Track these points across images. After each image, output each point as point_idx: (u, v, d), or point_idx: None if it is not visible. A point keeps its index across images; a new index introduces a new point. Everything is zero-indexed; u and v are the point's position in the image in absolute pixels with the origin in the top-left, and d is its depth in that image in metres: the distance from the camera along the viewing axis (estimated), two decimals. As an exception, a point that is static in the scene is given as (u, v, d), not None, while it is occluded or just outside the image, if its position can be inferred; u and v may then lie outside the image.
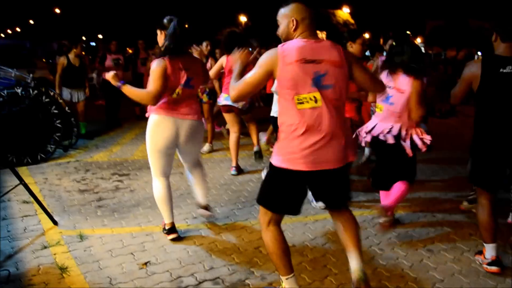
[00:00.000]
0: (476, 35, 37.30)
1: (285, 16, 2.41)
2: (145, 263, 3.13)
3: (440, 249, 3.50)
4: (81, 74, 6.99)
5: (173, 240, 3.46)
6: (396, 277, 3.07)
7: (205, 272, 3.04)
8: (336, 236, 3.67)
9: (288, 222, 3.88)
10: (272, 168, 2.45)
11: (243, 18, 47.03)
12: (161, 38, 3.40)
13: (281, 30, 2.44)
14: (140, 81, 9.03)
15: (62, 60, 6.93)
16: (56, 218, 3.80)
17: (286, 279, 2.51)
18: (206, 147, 6.26)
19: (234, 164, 5.39)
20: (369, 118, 6.24)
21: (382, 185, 3.83)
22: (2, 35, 36.52)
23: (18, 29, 48.74)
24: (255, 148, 5.45)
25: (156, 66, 3.22)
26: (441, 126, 7.81)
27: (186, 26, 3.44)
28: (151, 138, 3.40)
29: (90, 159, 5.95)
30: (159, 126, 3.36)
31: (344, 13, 46.33)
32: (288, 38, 2.40)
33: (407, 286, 2.96)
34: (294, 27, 2.37)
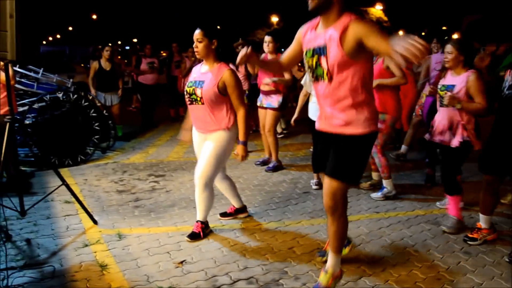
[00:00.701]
0: (516, 30, 36.01)
1: None
2: (181, 262, 3.21)
3: (478, 251, 3.43)
4: (113, 77, 7.15)
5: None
6: (431, 280, 3.02)
7: (239, 272, 3.08)
8: (370, 237, 3.67)
9: (317, 223, 3.89)
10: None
11: (274, 19, 47.07)
12: None
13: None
14: (174, 84, 9.20)
15: (94, 65, 7.16)
16: (95, 218, 3.94)
17: None
18: None
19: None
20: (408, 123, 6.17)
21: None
22: (44, 42, 37.88)
23: (58, 36, 50.45)
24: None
25: None
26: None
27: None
28: (227, 151, 3.54)
29: (127, 160, 6.12)
30: (233, 140, 3.54)
31: (377, 10, 45.72)
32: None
33: (443, 288, 2.92)
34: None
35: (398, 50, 1.95)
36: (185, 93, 3.57)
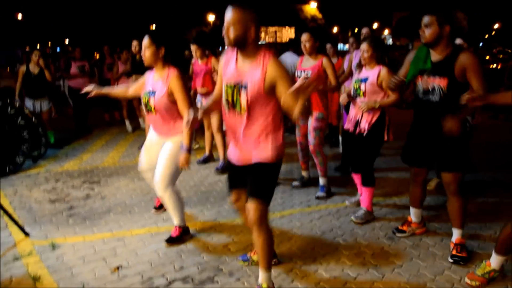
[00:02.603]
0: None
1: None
2: (117, 267, 3.23)
3: (400, 236, 3.73)
4: (42, 82, 6.88)
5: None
6: (357, 265, 3.26)
7: (175, 272, 3.16)
8: (301, 230, 3.87)
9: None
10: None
11: (211, 17, 46.88)
12: None
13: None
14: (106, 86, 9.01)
15: (22, 69, 6.88)
16: (27, 229, 3.84)
17: None
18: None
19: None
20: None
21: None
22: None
23: (-20, 37, 47.38)
24: None
25: None
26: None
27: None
28: None
29: (60, 168, 5.96)
30: None
31: (311, 8, 46.91)
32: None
33: (368, 272, 3.16)
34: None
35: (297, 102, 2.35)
36: (141, 103, 3.63)
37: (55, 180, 5.40)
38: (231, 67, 2.67)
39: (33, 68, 6.81)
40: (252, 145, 2.70)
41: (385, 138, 3.98)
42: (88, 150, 6.94)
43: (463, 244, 3.39)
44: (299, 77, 4.54)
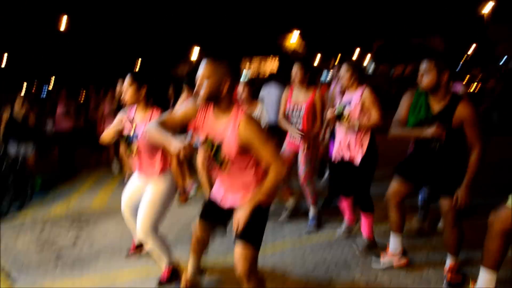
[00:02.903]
0: (418, 51, 39.47)
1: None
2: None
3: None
4: (26, 127, 6.80)
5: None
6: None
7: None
8: (294, 266, 3.83)
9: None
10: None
11: (196, 52, 47.45)
12: None
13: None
14: (93, 127, 8.99)
15: (5, 114, 6.83)
16: (13, 278, 3.75)
17: None
18: None
19: None
20: None
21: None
22: None
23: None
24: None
25: None
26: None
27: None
28: (169, 196, 3.51)
29: (47, 214, 5.85)
30: (173, 184, 3.55)
31: (294, 37, 47.80)
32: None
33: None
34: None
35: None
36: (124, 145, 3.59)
37: (42, 225, 5.30)
38: (207, 121, 2.63)
39: (17, 113, 6.78)
40: (240, 191, 2.70)
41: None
42: (75, 193, 6.86)
43: (457, 269, 3.40)
44: (291, 112, 4.63)
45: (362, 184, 4.03)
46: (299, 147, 4.67)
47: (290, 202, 5.12)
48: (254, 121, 2.52)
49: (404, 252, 3.72)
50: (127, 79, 3.46)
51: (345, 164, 4.05)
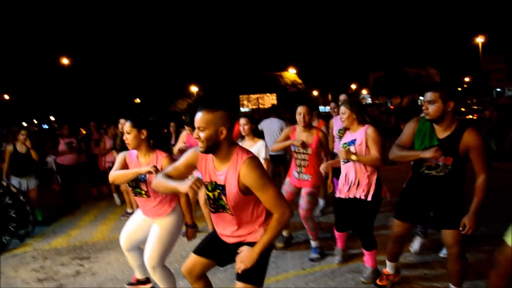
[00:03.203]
0: (414, 81, 40.11)
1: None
2: None
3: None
4: (29, 161, 6.89)
5: None
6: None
7: None
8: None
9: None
10: None
11: (194, 89, 48.14)
12: None
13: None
14: (94, 162, 9.06)
15: (8, 148, 6.91)
16: (15, 312, 3.72)
17: None
18: None
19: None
20: None
21: None
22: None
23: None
24: None
25: None
26: (390, 172, 8.23)
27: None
28: (175, 233, 3.56)
29: (48, 246, 5.84)
30: (180, 221, 3.62)
31: (290, 74, 48.62)
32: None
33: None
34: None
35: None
36: (129, 186, 3.61)
37: (43, 259, 5.28)
38: (209, 166, 2.61)
39: (20, 147, 6.86)
40: (244, 229, 2.66)
41: (383, 195, 3.97)
42: (76, 226, 6.85)
43: None
44: (295, 152, 4.68)
45: (366, 222, 4.00)
46: (302, 185, 4.70)
47: (285, 233, 5.16)
48: (255, 165, 2.46)
49: (398, 270, 3.91)
50: (127, 125, 3.51)
51: (350, 202, 4.04)
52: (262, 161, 4.60)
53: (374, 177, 3.93)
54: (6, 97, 47.79)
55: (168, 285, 3.54)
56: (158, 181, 2.57)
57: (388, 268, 3.82)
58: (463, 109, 21.45)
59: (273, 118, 7.54)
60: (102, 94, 48.44)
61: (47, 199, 8.15)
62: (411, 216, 3.54)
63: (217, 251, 2.84)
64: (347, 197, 4.04)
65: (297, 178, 4.74)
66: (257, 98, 44.93)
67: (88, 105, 44.75)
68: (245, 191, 2.49)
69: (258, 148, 4.81)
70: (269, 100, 44.74)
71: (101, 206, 8.33)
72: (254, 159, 2.49)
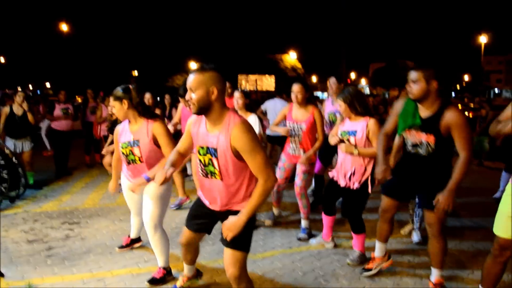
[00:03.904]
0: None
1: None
2: (97, 308, 3.17)
3: (381, 275, 3.79)
4: (25, 123, 6.88)
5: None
6: (338, 305, 3.28)
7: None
8: (283, 270, 3.88)
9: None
10: None
11: (193, 65, 47.74)
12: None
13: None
14: (89, 130, 9.04)
15: (5, 110, 6.88)
16: (2, 270, 3.75)
17: None
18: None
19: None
20: None
21: None
22: None
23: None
24: None
25: None
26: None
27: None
28: (168, 190, 3.67)
29: (39, 209, 5.86)
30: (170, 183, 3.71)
31: (291, 58, 48.39)
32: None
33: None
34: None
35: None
36: (121, 155, 3.64)
37: (33, 221, 5.31)
38: (201, 130, 2.64)
39: (17, 109, 6.83)
40: (231, 197, 2.69)
41: (369, 190, 4.01)
42: (67, 192, 6.87)
43: (442, 283, 3.45)
44: (291, 127, 4.73)
45: (357, 206, 4.06)
46: (298, 160, 4.76)
47: (275, 212, 5.26)
48: (247, 129, 2.48)
49: (388, 256, 3.88)
50: (110, 99, 3.64)
51: (342, 187, 4.08)
52: None
53: (370, 167, 3.97)
54: (2, 60, 47.20)
55: (164, 251, 3.63)
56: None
57: (377, 251, 3.83)
58: (460, 107, 21.55)
59: (277, 99, 7.85)
60: (100, 63, 47.98)
61: (39, 165, 8.14)
62: (397, 193, 3.60)
63: (204, 222, 2.93)
64: (342, 185, 4.08)
65: (292, 154, 4.83)
66: (256, 80, 44.75)
67: (85, 73, 44.36)
68: (236, 154, 2.52)
69: (250, 122, 4.88)
70: (268, 82, 44.59)
71: (93, 173, 8.34)
72: (246, 122, 2.52)
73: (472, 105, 23.01)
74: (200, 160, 2.66)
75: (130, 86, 3.64)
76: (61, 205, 6.06)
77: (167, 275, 3.65)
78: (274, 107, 7.53)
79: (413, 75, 3.18)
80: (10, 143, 6.73)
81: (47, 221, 5.32)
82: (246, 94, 5.05)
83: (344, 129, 4.10)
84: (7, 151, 6.08)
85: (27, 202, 6.15)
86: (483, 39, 39.15)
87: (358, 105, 3.97)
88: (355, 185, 3.96)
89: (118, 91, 3.56)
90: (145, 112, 3.58)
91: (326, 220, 4.41)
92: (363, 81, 65.18)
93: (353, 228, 4.09)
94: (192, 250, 3.21)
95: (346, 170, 4.02)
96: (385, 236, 3.79)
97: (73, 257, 4.17)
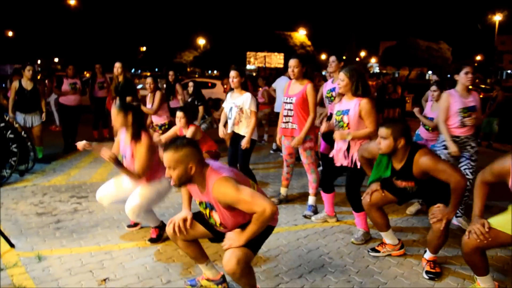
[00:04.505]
0: (425, 54, 39.54)
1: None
2: (104, 280, 3.23)
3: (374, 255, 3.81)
4: (35, 98, 6.90)
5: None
6: (343, 282, 3.31)
7: (162, 286, 3.18)
8: (288, 247, 3.91)
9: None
10: None
11: (201, 41, 47.40)
12: None
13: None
14: (97, 105, 9.05)
15: (14, 84, 6.89)
16: (13, 241, 3.82)
17: None
18: None
19: None
20: None
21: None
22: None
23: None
24: None
25: None
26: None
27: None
28: (164, 193, 4.03)
29: (48, 182, 5.94)
30: (165, 189, 4.05)
31: (300, 35, 47.74)
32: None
33: (351, 289, 3.21)
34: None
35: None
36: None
37: (42, 194, 5.38)
38: (196, 188, 2.76)
39: (26, 84, 6.83)
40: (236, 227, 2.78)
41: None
42: (76, 166, 6.94)
43: (435, 260, 3.50)
44: (286, 102, 4.72)
45: (353, 185, 4.09)
46: (292, 132, 4.79)
47: (282, 191, 5.26)
48: (224, 185, 2.54)
49: (401, 245, 3.85)
50: (115, 108, 3.91)
51: (339, 166, 4.14)
52: (248, 113, 4.87)
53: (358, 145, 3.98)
54: (10, 33, 47.09)
55: (150, 219, 3.98)
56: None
57: (387, 240, 3.82)
58: (470, 87, 21.26)
59: (285, 77, 7.81)
60: (108, 39, 47.74)
61: (48, 139, 8.20)
62: (394, 194, 3.70)
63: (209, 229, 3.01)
64: (339, 164, 4.14)
65: (285, 128, 4.84)
66: (264, 57, 44.29)
67: (93, 49, 44.21)
68: (227, 206, 2.63)
69: (243, 100, 4.93)
70: (276, 59, 44.10)
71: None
72: (221, 179, 2.56)
73: (483, 86, 22.73)
74: (203, 213, 2.88)
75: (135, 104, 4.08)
76: (70, 179, 6.13)
77: (161, 230, 4.00)
78: (282, 85, 7.51)
79: (382, 131, 3.33)
80: (20, 117, 6.77)
81: (56, 194, 5.40)
82: (241, 72, 5.03)
83: (339, 108, 4.11)
84: (16, 126, 6.13)
85: (36, 176, 6.23)
86: (497, 17, 38.33)
87: (360, 84, 3.94)
88: (350, 165, 4.01)
89: (125, 104, 4.05)
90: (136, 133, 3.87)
91: (325, 197, 4.47)
92: (373, 60, 64.44)
93: (353, 206, 4.12)
94: (191, 246, 3.11)
95: (341, 148, 4.06)
96: (381, 224, 3.78)
97: (81, 230, 4.24)
